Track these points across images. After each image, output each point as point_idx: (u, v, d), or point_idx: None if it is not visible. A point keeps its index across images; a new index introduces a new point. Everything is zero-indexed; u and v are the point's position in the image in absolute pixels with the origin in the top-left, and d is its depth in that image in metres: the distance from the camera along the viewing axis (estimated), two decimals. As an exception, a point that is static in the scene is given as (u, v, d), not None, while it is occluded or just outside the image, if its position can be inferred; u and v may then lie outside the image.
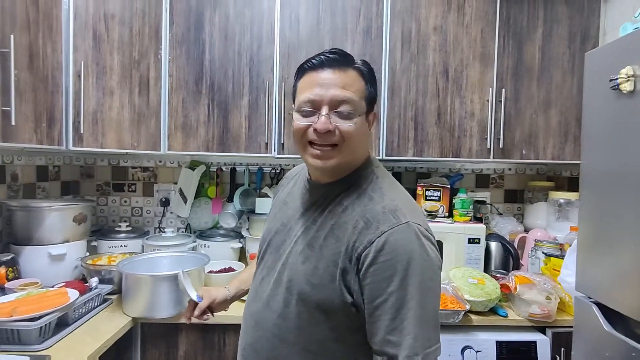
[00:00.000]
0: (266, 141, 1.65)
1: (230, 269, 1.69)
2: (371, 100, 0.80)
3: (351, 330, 0.75)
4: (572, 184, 1.91)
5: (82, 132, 1.39)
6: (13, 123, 1.11)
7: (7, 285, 1.33)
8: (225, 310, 1.07)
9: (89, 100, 1.42)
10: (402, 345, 0.67)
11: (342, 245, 0.73)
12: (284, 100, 1.65)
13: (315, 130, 0.74)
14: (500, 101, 1.66)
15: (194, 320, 1.01)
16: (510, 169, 2.10)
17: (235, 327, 1.37)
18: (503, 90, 1.65)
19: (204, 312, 1.00)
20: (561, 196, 1.81)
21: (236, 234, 1.95)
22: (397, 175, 2.03)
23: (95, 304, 1.37)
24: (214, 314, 1.03)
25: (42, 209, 1.50)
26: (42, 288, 1.31)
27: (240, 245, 1.88)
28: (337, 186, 0.80)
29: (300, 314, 0.76)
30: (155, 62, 1.61)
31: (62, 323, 1.19)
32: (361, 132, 0.77)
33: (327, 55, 0.76)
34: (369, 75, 0.79)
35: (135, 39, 1.56)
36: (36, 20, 1.23)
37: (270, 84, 1.65)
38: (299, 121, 0.77)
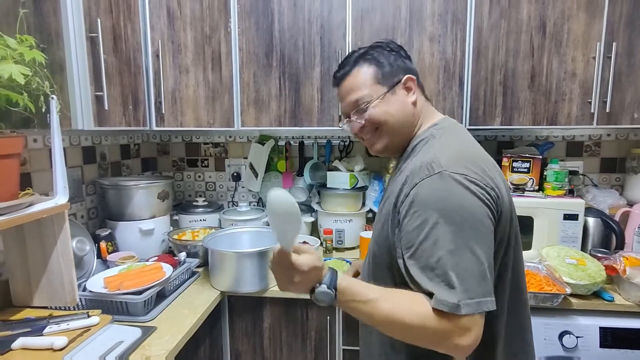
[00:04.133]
0: (339, 114, 1.59)
1: (305, 244, 1.69)
2: (389, 74, 0.85)
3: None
4: (689, 151, 1.65)
5: (163, 112, 1.42)
6: (106, 108, 1.14)
7: (109, 258, 1.44)
8: None
9: (168, 79, 1.43)
10: (435, 291, 0.66)
11: (392, 205, 0.78)
12: (358, 69, 1.55)
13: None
14: (610, 57, 1.43)
15: None
16: (609, 135, 1.85)
17: (319, 303, 1.40)
18: (614, 44, 1.42)
19: None
20: (676, 165, 1.57)
21: (307, 208, 1.95)
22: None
23: (186, 277, 1.45)
24: None
25: (130, 187, 1.58)
26: (139, 262, 1.40)
27: (312, 219, 1.88)
28: (402, 156, 0.88)
29: (373, 274, 0.86)
30: (225, 35, 1.57)
31: (160, 295, 1.27)
32: (389, 108, 0.84)
33: (335, 73, 0.91)
34: (378, 55, 0.86)
35: (205, 13, 1.52)
36: (117, 2, 1.23)
37: (342, 52, 1.55)
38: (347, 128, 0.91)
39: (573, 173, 1.76)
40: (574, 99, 1.48)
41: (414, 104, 0.85)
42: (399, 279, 0.76)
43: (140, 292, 1.17)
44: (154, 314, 1.19)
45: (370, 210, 1.88)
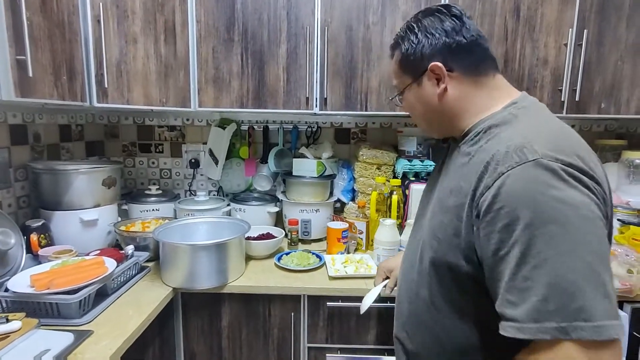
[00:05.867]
0: (307, 95, 1.47)
1: (269, 235, 1.58)
2: (413, 62, 0.75)
3: (479, 285, 0.64)
4: (649, 143, 1.69)
5: (106, 86, 1.24)
6: (30, 74, 0.96)
7: (41, 252, 1.25)
8: None
9: (111, 49, 1.26)
10: (522, 306, 0.53)
11: (466, 196, 0.64)
12: (327, 48, 1.44)
13: None
14: (580, 45, 1.41)
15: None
16: (573, 126, 1.87)
17: (281, 297, 1.30)
18: (585, 31, 1.40)
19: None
20: (637, 156, 1.60)
21: (271, 198, 1.83)
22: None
23: (133, 273, 1.29)
24: None
25: (68, 172, 1.39)
26: (77, 256, 1.23)
27: (277, 209, 1.76)
28: (464, 138, 0.73)
29: (428, 269, 0.73)
30: (181, 4, 1.41)
31: (101, 294, 1.12)
32: (413, 101, 0.78)
33: None
34: (407, 37, 0.76)
35: (157, -23, 1.35)
36: (45, -49, 1.04)
37: (311, 29, 1.44)
38: None
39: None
40: (545, 86, 1.45)
41: (441, 96, 0.73)
42: (462, 284, 0.67)
43: (75, 291, 1.01)
44: (91, 316, 1.03)
45: (339, 200, 1.79)
